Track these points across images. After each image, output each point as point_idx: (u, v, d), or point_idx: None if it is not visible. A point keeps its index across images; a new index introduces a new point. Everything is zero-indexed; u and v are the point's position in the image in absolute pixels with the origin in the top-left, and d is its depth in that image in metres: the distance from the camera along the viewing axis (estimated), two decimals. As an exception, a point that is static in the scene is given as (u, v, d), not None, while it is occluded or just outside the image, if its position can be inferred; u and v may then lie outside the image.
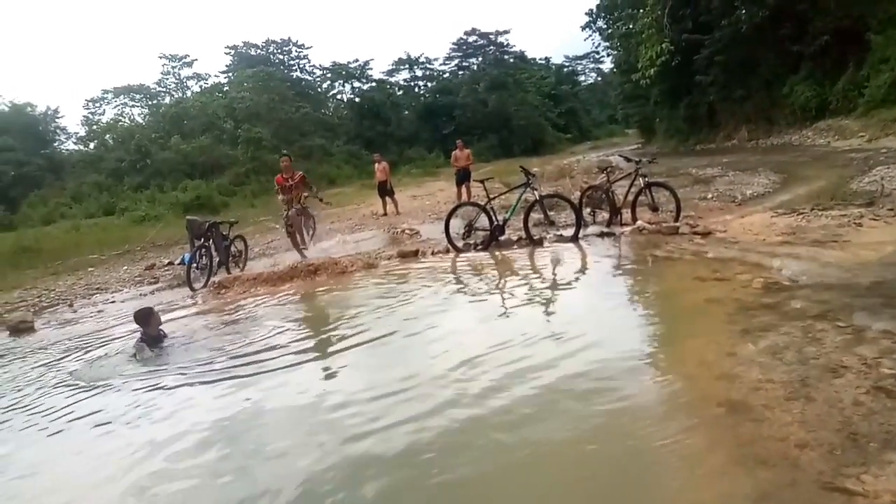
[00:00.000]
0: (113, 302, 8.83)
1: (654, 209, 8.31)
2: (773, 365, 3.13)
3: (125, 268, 12.60)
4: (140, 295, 9.11)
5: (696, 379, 3.23)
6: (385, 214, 15.40)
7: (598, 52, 55.58)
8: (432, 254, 8.47)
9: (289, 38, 54.78)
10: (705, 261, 5.70)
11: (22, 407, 4.46)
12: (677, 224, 7.51)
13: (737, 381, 3.04)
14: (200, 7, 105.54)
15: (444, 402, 3.32)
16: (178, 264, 10.57)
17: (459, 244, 8.48)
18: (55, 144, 42.65)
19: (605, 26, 36.26)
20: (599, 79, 75.23)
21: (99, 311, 8.18)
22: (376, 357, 4.43)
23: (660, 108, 34.42)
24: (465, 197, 14.79)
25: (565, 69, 74.85)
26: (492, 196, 8.62)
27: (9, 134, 37.51)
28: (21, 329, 7.44)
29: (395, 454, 2.85)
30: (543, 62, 72.62)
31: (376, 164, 16.25)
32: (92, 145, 40.01)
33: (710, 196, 10.59)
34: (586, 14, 36.48)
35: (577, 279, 6.24)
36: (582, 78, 78.19)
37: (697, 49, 25.92)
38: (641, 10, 24.67)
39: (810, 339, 3.41)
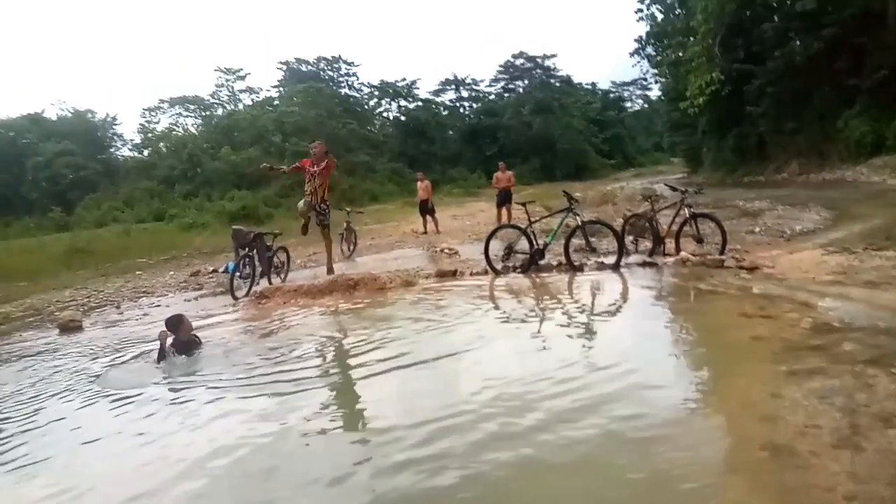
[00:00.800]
0: (158, 306, 9.06)
1: (699, 241, 8.16)
2: (820, 410, 3.02)
3: (171, 273, 12.95)
4: (185, 300, 9.33)
5: (738, 419, 3.13)
6: (425, 233, 15.50)
7: (645, 80, 55.12)
8: (471, 274, 8.46)
9: (339, 55, 56.04)
10: (751, 297, 5.55)
11: (57, 411, 4.56)
12: (723, 257, 7.34)
13: (781, 424, 2.94)
14: (256, 23, 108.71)
15: (489, 435, 3.23)
16: (222, 272, 10.81)
17: (498, 266, 8.46)
18: (112, 150, 44.37)
19: (653, 53, 36.05)
20: (646, 106, 74.70)
21: (144, 315, 8.41)
22: (416, 381, 4.32)
23: (707, 138, 33.91)
24: (505, 219, 14.80)
25: (611, 95, 74.55)
26: (533, 220, 8.59)
27: (70, 139, 39.23)
28: (70, 327, 7.69)
29: (442, 491, 2.76)
30: (590, 87, 72.52)
31: (419, 183, 16.40)
32: (146, 152, 41.47)
33: (757, 230, 10.35)
34: (635, 41, 36.27)
35: (617, 309, 6.14)
36: (628, 104, 77.83)
37: (748, 79, 25.52)
38: (692, 39, 24.52)
39: (861, 385, 3.27)
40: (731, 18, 24.48)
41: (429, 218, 15.89)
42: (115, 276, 13.40)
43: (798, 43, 22.76)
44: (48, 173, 36.56)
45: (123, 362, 5.65)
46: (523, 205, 8.95)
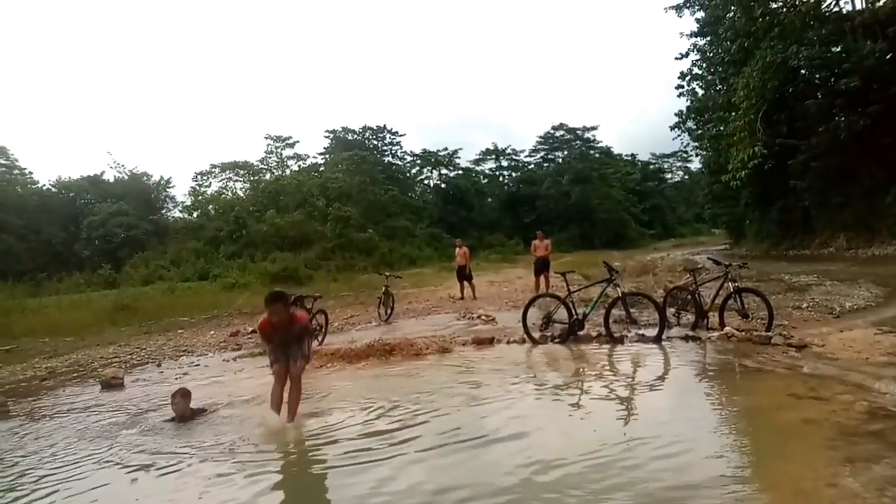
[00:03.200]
0: (197, 366, 9.16)
1: (744, 316, 7.95)
2: (879, 501, 2.84)
3: (212, 332, 13.12)
4: (223, 360, 9.41)
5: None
6: (462, 298, 15.47)
7: (686, 152, 55.28)
8: (507, 343, 8.38)
9: (384, 125, 58.08)
10: (801, 376, 5.34)
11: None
12: (770, 334, 7.10)
13: (838, 516, 2.77)
14: (307, 93, 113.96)
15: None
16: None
17: (536, 335, 8.36)
18: (163, 211, 46.14)
19: (694, 127, 36.12)
20: (686, 177, 74.63)
21: (184, 374, 8.50)
22: (455, 457, 4.14)
23: (750, 210, 33.48)
24: (542, 287, 14.71)
25: (651, 166, 74.91)
26: (572, 289, 8.52)
27: (125, 200, 41.08)
28: (112, 385, 7.81)
29: None
30: (629, 158, 73.00)
31: (457, 249, 16.51)
32: (195, 214, 42.92)
33: (804, 305, 10.00)
34: (675, 115, 36.43)
35: (659, 384, 5.94)
36: (668, 175, 77.86)
37: (792, 153, 25.32)
38: (733, 114, 24.56)
39: (924, 476, 3.09)
40: (773, 95, 24.53)
41: (465, 284, 15.89)
42: (158, 334, 13.64)
43: (843, 119, 22.56)
44: (101, 232, 38.10)
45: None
46: (563, 274, 8.91)
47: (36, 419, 6.38)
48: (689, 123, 36.57)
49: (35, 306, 19.34)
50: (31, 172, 45.44)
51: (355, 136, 57.40)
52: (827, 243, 25.64)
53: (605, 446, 4.04)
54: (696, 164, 57.78)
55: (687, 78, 34.77)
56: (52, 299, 22.44)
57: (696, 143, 38.86)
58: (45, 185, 45.20)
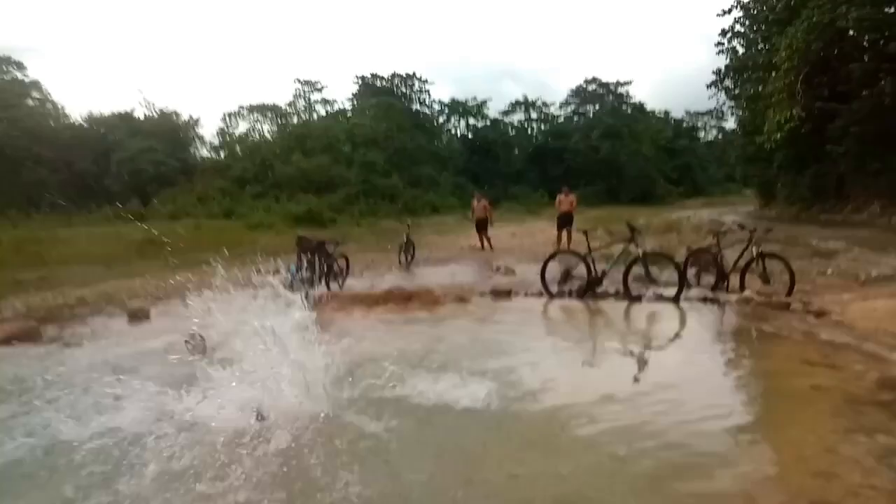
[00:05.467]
0: (220, 302, 9.37)
1: (766, 280, 7.89)
2: (877, 469, 2.88)
3: (235, 270, 13.37)
4: (245, 298, 9.63)
5: (790, 472, 3.01)
6: (482, 249, 15.54)
7: (721, 111, 53.65)
8: (525, 295, 8.44)
9: (413, 72, 57.07)
10: (816, 344, 5.33)
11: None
12: (789, 300, 7.06)
13: (834, 481, 2.82)
14: (337, 37, 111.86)
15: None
16: (286, 272, 11.07)
17: (554, 289, 8.40)
18: (191, 150, 46.46)
19: (731, 86, 35.04)
20: (720, 136, 72.58)
21: (206, 309, 8.71)
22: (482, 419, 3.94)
23: (783, 173, 32.64)
24: (564, 241, 14.70)
25: (685, 124, 72.90)
26: (593, 247, 8.50)
27: (154, 137, 41.37)
28: (139, 316, 8.07)
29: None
30: (662, 115, 71.12)
31: (474, 202, 16.57)
32: (223, 154, 43.18)
33: (829, 272, 9.84)
34: (713, 73, 35.28)
35: (672, 343, 5.99)
36: (702, 134, 75.80)
37: (831, 118, 24.48)
38: (773, 74, 23.74)
39: (927, 448, 3.11)
40: (816, 56, 23.59)
41: (485, 236, 15.94)
42: (183, 269, 13.94)
43: (888, 84, 21.65)
44: (131, 167, 38.60)
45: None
46: (585, 232, 8.87)
47: (67, 345, 6.64)
48: (727, 82, 35.49)
49: (66, 236, 19.84)
50: (63, 107, 45.97)
51: (384, 82, 56.62)
52: (860, 209, 25.05)
53: (605, 401, 4.12)
54: (730, 124, 56.12)
55: (728, 35, 33.50)
56: (82, 230, 22.98)
57: (733, 103, 37.79)
58: (76, 120, 45.78)
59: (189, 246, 18.62)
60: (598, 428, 3.64)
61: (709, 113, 69.04)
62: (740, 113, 35.88)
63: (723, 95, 37.72)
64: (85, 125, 45.06)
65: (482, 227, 16.04)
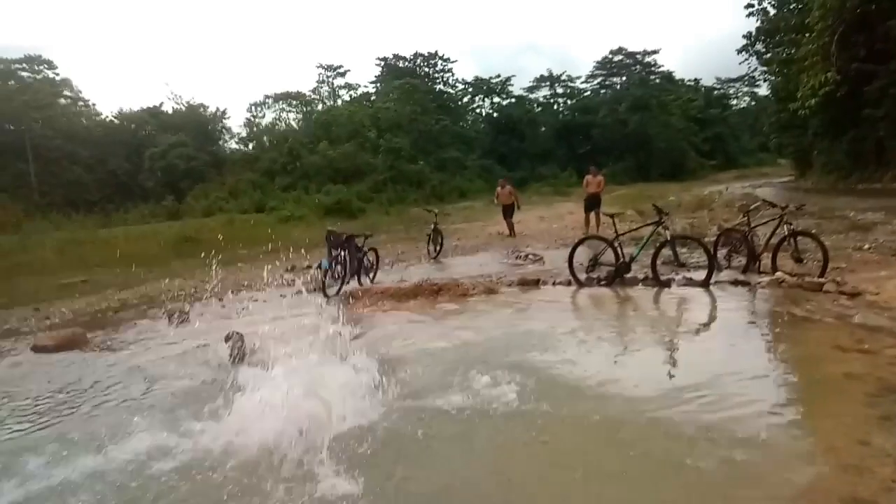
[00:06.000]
0: (256, 301, 9.61)
1: (798, 260, 7.78)
2: (910, 464, 2.88)
3: (268, 267, 13.62)
4: (280, 296, 9.85)
5: (820, 466, 3.02)
6: (511, 235, 15.54)
7: (753, 77, 52.14)
8: (553, 284, 8.46)
9: (436, 51, 56.94)
10: (850, 327, 5.25)
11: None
12: (822, 280, 6.93)
13: (867, 475, 2.81)
14: (358, 20, 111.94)
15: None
16: (317, 268, 11.26)
17: (582, 277, 8.40)
18: (220, 143, 47.14)
19: (763, 50, 34.05)
20: (753, 103, 70.65)
21: (243, 308, 8.94)
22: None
23: (819, 141, 31.71)
24: (592, 224, 14.62)
25: (715, 92, 71.10)
26: (620, 232, 8.47)
27: (183, 131, 42.05)
28: (179, 318, 8.32)
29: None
30: (692, 84, 69.53)
31: (499, 189, 16.60)
32: (251, 146, 43.70)
33: (867, 247, 9.58)
34: (744, 37, 34.27)
35: (702, 330, 5.96)
36: (734, 102, 73.88)
37: (869, 80, 23.65)
38: (807, 36, 22.98)
39: (963, 440, 3.08)
40: (852, 15, 22.73)
41: (511, 222, 15.96)
42: (220, 268, 14.26)
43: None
44: (163, 164, 39.31)
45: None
46: (612, 216, 8.83)
47: (114, 350, 6.90)
48: (758, 46, 34.55)
49: (105, 237, 20.43)
50: (94, 104, 47.05)
51: (406, 63, 56.58)
52: (901, 177, 24.27)
53: (636, 388, 4.20)
54: (763, 90, 54.61)
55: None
56: (119, 230, 23.62)
57: (765, 68, 36.83)
58: (107, 116, 46.76)
59: (224, 242, 19.11)
60: (633, 420, 3.69)
61: (740, 79, 67.40)
62: (773, 78, 34.93)
63: (754, 60, 36.81)
64: (116, 121, 45.95)
65: (509, 213, 16.05)
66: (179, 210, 32.26)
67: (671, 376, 4.58)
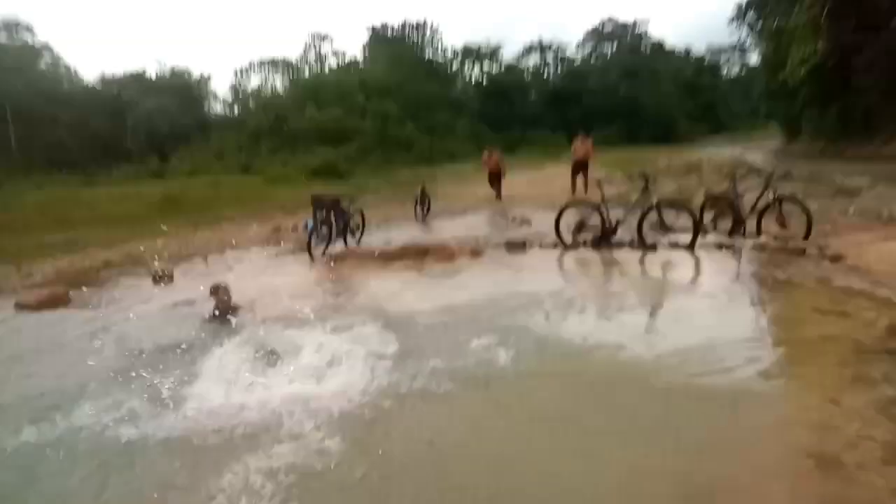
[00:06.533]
0: (240, 261, 9.56)
1: (783, 225, 7.84)
2: (877, 420, 2.94)
3: (254, 227, 13.54)
4: (265, 256, 9.81)
5: (790, 423, 3.09)
6: (497, 199, 15.52)
7: (744, 46, 51.70)
8: (540, 247, 8.48)
9: (425, 20, 55.92)
10: (829, 290, 5.32)
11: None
12: (805, 244, 7.00)
13: (834, 432, 2.88)
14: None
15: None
16: (303, 229, 11.19)
17: (568, 240, 8.42)
18: (205, 107, 46.49)
19: (755, 18, 33.70)
20: (744, 71, 70.21)
21: (228, 268, 8.89)
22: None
23: (808, 108, 31.64)
24: (580, 189, 14.60)
25: (707, 60, 70.56)
26: (607, 196, 8.47)
27: (167, 95, 41.42)
28: (163, 278, 8.26)
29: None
30: (683, 54, 68.96)
31: (486, 155, 16.66)
32: (237, 110, 43.11)
33: (851, 211, 9.64)
34: (735, 6, 33.98)
35: (683, 292, 6.02)
36: (724, 70, 73.38)
37: (858, 50, 23.51)
38: (798, 6, 22.76)
39: (930, 399, 3.15)
40: (843, -14, 22.50)
41: (499, 186, 15.93)
42: (204, 227, 14.14)
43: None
44: (147, 126, 38.74)
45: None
46: (598, 182, 8.81)
47: (96, 308, 6.86)
48: (750, 16, 34.19)
49: (88, 197, 20.16)
50: (75, 69, 46.15)
51: (395, 32, 55.61)
52: (889, 142, 24.29)
53: (620, 346, 4.27)
54: (754, 59, 54.18)
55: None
56: (103, 190, 23.29)
57: (756, 38, 36.51)
58: (89, 82, 45.92)
59: (208, 203, 18.93)
60: (614, 378, 3.75)
61: (732, 48, 66.83)
62: (763, 47, 34.65)
63: (745, 30, 36.46)
64: (98, 87, 45.14)
65: (495, 180, 16.04)
66: (164, 171, 31.85)
67: (651, 337, 4.63)
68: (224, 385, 3.91)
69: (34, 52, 42.55)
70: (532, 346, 4.38)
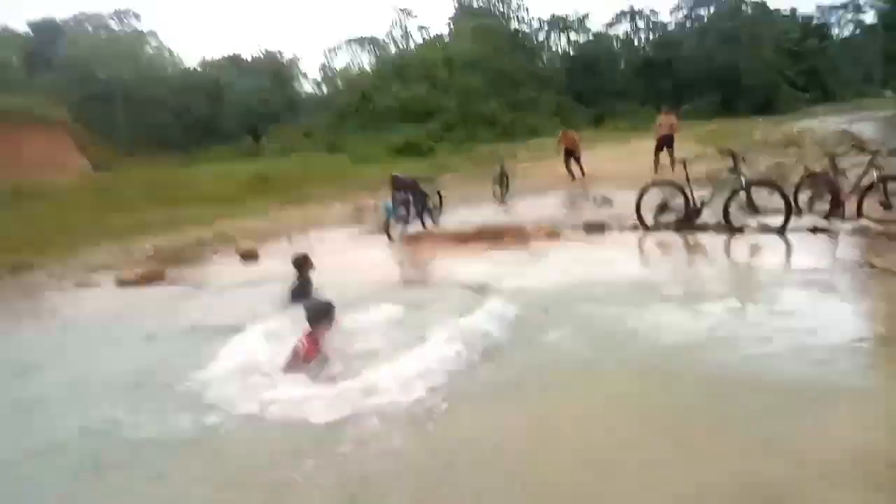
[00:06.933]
0: (322, 241, 9.89)
1: (887, 206, 7.23)
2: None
3: (337, 206, 13.95)
4: (346, 235, 10.11)
5: (870, 428, 2.88)
6: (574, 179, 15.09)
7: (859, 3, 47.46)
8: (619, 229, 8.27)
9: (512, -11, 54.78)
10: (932, 282, 4.89)
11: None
12: (911, 230, 6.44)
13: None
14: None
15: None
16: (383, 210, 11.43)
17: (650, 222, 8.14)
18: (295, 86, 48.19)
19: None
20: (858, 32, 64.53)
21: (309, 248, 9.21)
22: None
23: (930, 72, 28.90)
24: (666, 165, 14.05)
25: (815, 21, 65.24)
26: (693, 176, 8.11)
27: (260, 76, 43.28)
28: (249, 256, 8.70)
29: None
30: (788, 14, 64.14)
31: (561, 133, 16.37)
32: (325, 89, 44.30)
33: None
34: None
35: (766, 281, 5.64)
36: (835, 31, 67.63)
37: None
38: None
39: None
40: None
41: (575, 164, 15.52)
42: (290, 206, 14.72)
43: None
44: (242, 107, 40.58)
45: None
46: (683, 161, 8.43)
47: (187, 285, 7.35)
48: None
49: (186, 177, 21.37)
50: (178, 54, 49.10)
51: (481, 3, 54.91)
52: None
53: (701, 344, 4.08)
54: (870, 18, 49.71)
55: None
56: (200, 170, 24.63)
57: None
58: (190, 66, 48.65)
59: (296, 182, 19.64)
60: (684, 375, 3.62)
61: (844, 6, 61.62)
62: (881, 4, 31.80)
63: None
64: (199, 69, 47.66)
65: (570, 159, 15.61)
66: (256, 150, 33.31)
67: (731, 329, 4.39)
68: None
69: (142, 39, 45.44)
70: (606, 336, 4.30)
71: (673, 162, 13.84)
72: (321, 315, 4.16)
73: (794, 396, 3.20)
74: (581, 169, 15.45)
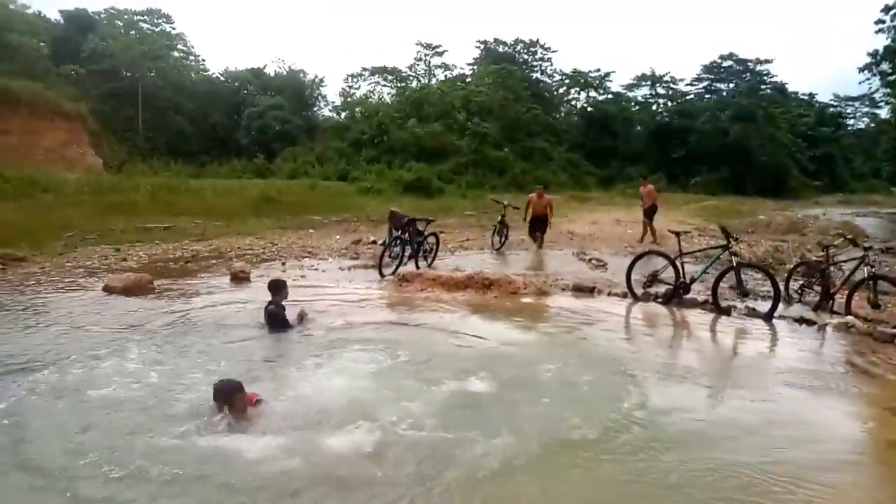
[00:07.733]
0: (315, 269, 9.90)
1: (875, 306, 7.24)
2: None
3: (337, 237, 14.01)
4: (339, 268, 10.11)
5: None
6: (540, 248, 13.28)
7: (874, 97, 48.22)
8: (608, 294, 8.28)
9: (537, 39, 56.03)
10: (910, 388, 4.86)
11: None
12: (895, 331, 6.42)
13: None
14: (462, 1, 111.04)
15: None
16: (381, 244, 11.47)
17: (639, 292, 8.16)
18: (314, 109, 48.77)
19: (888, 70, 31.55)
20: (872, 125, 65.46)
21: (301, 276, 9.22)
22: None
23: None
24: (649, 234, 14.37)
25: (830, 109, 66.32)
26: (684, 252, 8.16)
27: (281, 94, 43.77)
28: (240, 278, 8.69)
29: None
30: (806, 98, 65.34)
31: (534, 196, 13.92)
32: (343, 115, 44.81)
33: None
34: (868, 55, 31.88)
35: (749, 370, 5.57)
36: (850, 121, 68.66)
37: None
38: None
39: None
40: None
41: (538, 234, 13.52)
42: (292, 230, 14.79)
43: None
44: (259, 123, 41.06)
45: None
46: (677, 234, 8.48)
47: (173, 299, 7.33)
48: (884, 66, 32.03)
49: (195, 187, 21.55)
50: (203, 60, 49.74)
51: (506, 48, 56.01)
52: None
53: (658, 428, 4.01)
54: (884, 113, 50.40)
55: (892, 12, 30.05)
56: (209, 181, 24.85)
57: (888, 90, 34.12)
58: (214, 73, 49.29)
59: (302, 206, 19.78)
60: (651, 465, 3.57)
61: (860, 98, 62.69)
62: (895, 102, 32.41)
63: (877, 81, 34.20)
64: (221, 78, 48.31)
65: (537, 226, 13.53)
66: (268, 169, 33.59)
67: (702, 419, 4.32)
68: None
69: (170, 41, 46.19)
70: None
71: (649, 232, 14.24)
72: (230, 391, 3.81)
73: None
74: (541, 240, 13.46)
